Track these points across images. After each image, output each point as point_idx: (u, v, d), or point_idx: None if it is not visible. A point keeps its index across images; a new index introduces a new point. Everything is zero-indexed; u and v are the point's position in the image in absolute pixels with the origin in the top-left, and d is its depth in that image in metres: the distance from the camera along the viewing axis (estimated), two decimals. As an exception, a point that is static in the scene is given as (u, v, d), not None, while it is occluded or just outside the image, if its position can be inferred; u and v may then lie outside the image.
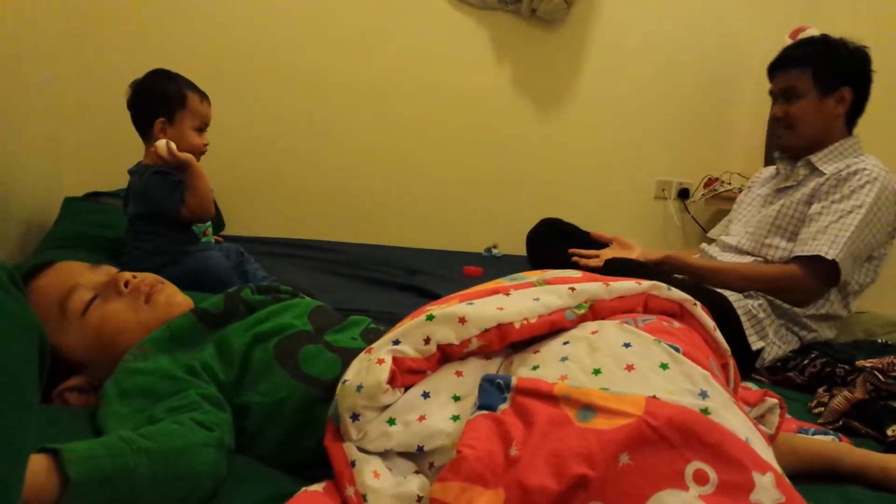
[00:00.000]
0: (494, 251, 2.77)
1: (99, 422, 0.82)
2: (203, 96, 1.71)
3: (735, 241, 1.80)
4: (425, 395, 0.78)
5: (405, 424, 0.75)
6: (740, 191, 2.77)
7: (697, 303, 0.91)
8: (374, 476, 0.72)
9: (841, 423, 1.27)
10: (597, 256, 1.82)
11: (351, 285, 2.05)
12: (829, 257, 1.56)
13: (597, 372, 0.74)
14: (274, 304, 1.04)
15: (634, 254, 1.83)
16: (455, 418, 0.76)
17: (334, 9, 2.60)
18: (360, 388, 0.76)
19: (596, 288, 0.88)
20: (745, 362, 1.57)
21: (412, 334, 0.80)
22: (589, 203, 2.90)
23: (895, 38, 2.12)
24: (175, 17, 2.46)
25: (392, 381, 0.77)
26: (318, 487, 0.77)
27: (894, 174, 1.66)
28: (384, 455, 0.76)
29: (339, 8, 2.60)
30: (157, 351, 0.92)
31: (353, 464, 0.74)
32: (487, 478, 0.64)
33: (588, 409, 0.67)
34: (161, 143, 1.56)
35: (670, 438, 0.63)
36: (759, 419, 0.97)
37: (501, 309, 0.82)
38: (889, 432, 1.20)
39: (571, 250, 1.87)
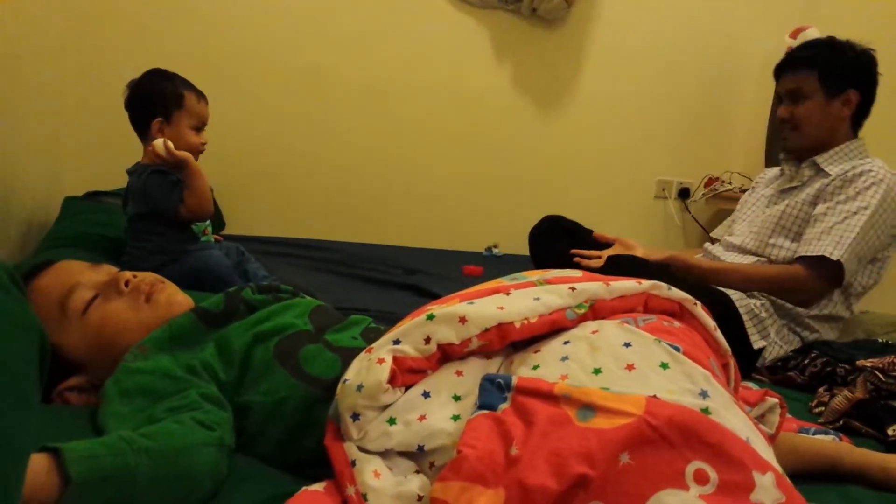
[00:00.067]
0: (495, 251, 2.77)
1: (99, 421, 0.82)
2: (200, 95, 1.71)
3: (739, 241, 1.80)
4: (426, 394, 0.78)
5: (405, 424, 0.75)
6: (741, 190, 2.78)
7: (698, 302, 0.91)
8: (375, 475, 0.72)
9: (841, 422, 1.26)
10: (598, 257, 1.82)
11: (351, 285, 2.05)
12: (834, 258, 1.56)
13: (597, 371, 0.74)
14: (274, 303, 1.04)
15: (637, 254, 1.83)
16: (455, 418, 0.76)
17: (334, 9, 2.60)
18: (360, 387, 0.76)
19: (596, 287, 0.88)
20: (746, 361, 1.58)
21: (412, 334, 0.80)
22: (589, 202, 2.90)
23: (895, 38, 2.12)
24: (175, 17, 2.46)
25: (392, 380, 0.77)
26: (318, 487, 0.77)
27: None
28: (384, 454, 0.76)
29: (339, 8, 2.60)
30: (157, 350, 0.92)
31: (353, 463, 0.74)
32: (488, 477, 0.64)
33: (588, 408, 0.67)
34: (159, 143, 1.56)
35: (671, 438, 0.63)
36: (760, 419, 0.97)
37: (502, 308, 0.82)
38: (889, 432, 1.20)
39: (573, 251, 1.87)
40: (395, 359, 0.78)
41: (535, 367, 0.78)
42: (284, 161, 2.65)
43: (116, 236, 1.76)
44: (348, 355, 0.86)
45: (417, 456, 0.76)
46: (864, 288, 1.69)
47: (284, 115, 2.61)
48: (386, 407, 0.77)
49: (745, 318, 1.60)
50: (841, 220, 1.60)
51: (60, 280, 0.97)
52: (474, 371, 0.81)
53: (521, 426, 0.68)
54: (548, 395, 0.70)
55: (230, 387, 0.90)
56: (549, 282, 0.90)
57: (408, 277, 2.15)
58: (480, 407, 0.72)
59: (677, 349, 0.76)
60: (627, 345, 0.77)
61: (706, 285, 1.66)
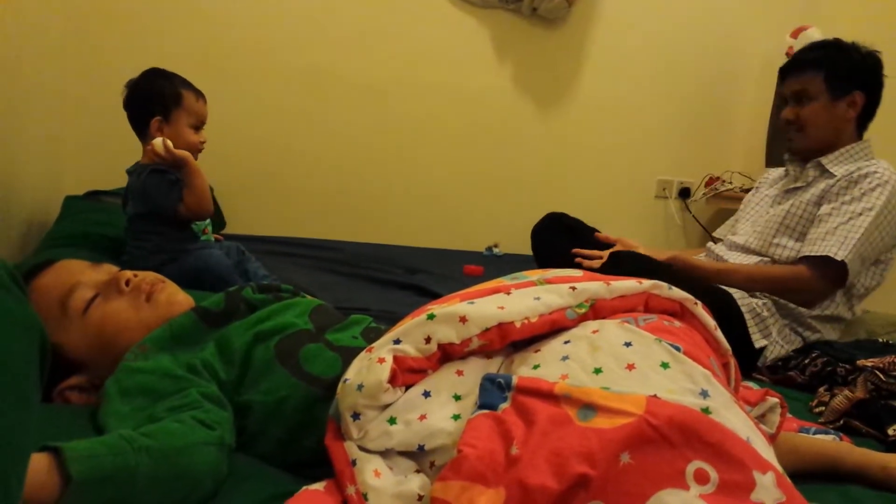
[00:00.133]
0: (495, 250, 2.77)
1: (100, 420, 0.82)
2: (199, 94, 1.71)
3: (742, 241, 1.80)
4: (426, 394, 0.78)
5: (406, 423, 0.75)
6: (742, 190, 2.78)
7: (698, 302, 0.91)
8: (375, 475, 0.72)
9: (842, 422, 1.26)
10: (600, 258, 1.82)
11: (351, 284, 2.05)
12: (839, 258, 1.56)
13: (598, 371, 0.74)
14: (275, 302, 1.04)
15: None
16: (456, 417, 0.76)
17: (334, 9, 2.60)
18: (360, 386, 0.76)
19: (597, 287, 0.88)
20: (747, 360, 1.58)
21: (413, 333, 0.80)
22: (590, 202, 2.89)
23: (895, 38, 2.12)
24: (175, 17, 2.46)
25: (393, 380, 0.77)
26: (318, 486, 0.77)
27: None
28: (385, 454, 0.76)
29: (339, 8, 2.60)
30: (157, 350, 0.92)
31: (353, 463, 0.74)
32: (488, 477, 0.64)
33: (589, 408, 0.67)
34: (158, 141, 1.56)
35: (671, 438, 0.63)
36: (760, 418, 0.97)
37: (502, 308, 0.82)
38: (890, 432, 1.20)
39: (575, 250, 1.87)
40: (395, 358, 0.78)
41: (536, 367, 0.78)
42: (285, 161, 2.65)
43: (117, 236, 1.76)
44: (349, 355, 0.86)
45: (418, 455, 0.76)
46: (866, 289, 1.69)
47: (284, 115, 2.61)
48: (386, 406, 0.77)
49: (746, 316, 1.60)
50: (846, 221, 1.60)
51: (61, 279, 0.97)
52: (475, 370, 0.81)
53: (521, 426, 0.68)
54: (548, 395, 0.70)
55: (230, 386, 0.90)
56: (549, 281, 0.90)
57: (408, 277, 2.15)
58: (481, 406, 0.72)
59: (678, 349, 0.76)
60: (628, 344, 0.77)
61: (708, 284, 1.66)
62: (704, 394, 0.69)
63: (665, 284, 0.91)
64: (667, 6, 2.90)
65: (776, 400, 0.98)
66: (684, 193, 3.07)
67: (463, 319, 0.80)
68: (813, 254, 1.61)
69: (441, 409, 0.77)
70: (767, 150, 2.70)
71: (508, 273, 0.99)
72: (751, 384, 1.30)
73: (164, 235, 1.63)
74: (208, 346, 0.94)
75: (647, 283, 0.90)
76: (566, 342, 0.81)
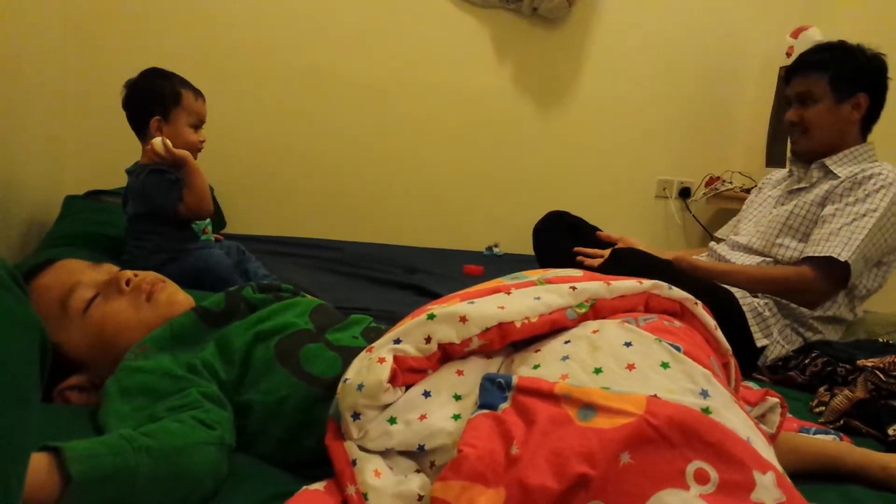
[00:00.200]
0: (495, 250, 2.77)
1: (100, 420, 0.82)
2: (197, 93, 1.71)
3: (745, 241, 1.80)
4: (426, 393, 0.78)
5: (406, 423, 0.75)
6: (742, 190, 2.78)
7: (698, 302, 0.91)
8: (375, 475, 0.72)
9: (842, 422, 1.26)
10: (601, 256, 1.82)
11: (351, 284, 2.05)
12: (842, 259, 1.56)
13: (598, 371, 0.74)
14: (275, 302, 1.04)
15: None
16: (456, 417, 0.76)
17: (334, 9, 2.60)
18: (361, 386, 0.76)
19: (597, 287, 0.88)
20: (748, 360, 1.58)
21: (413, 333, 0.80)
22: (590, 202, 2.89)
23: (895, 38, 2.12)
24: (175, 17, 2.46)
25: (393, 379, 0.77)
26: (318, 486, 0.77)
27: None
28: (385, 454, 0.76)
29: (339, 8, 2.60)
30: (158, 349, 0.92)
31: (354, 462, 0.74)
32: (488, 477, 0.64)
33: (589, 408, 0.67)
34: (157, 141, 1.56)
35: (671, 438, 0.63)
36: (760, 418, 0.97)
37: (502, 308, 0.82)
38: (890, 432, 1.20)
39: (576, 248, 1.87)
40: (395, 358, 0.78)
41: (536, 367, 0.78)
42: (284, 160, 2.65)
43: (117, 235, 1.76)
44: (349, 354, 0.86)
45: (418, 455, 0.76)
46: (868, 291, 1.69)
47: (284, 115, 2.61)
48: (386, 406, 0.77)
49: (748, 316, 1.60)
50: (849, 222, 1.60)
51: (61, 279, 0.97)
52: (475, 370, 0.81)
53: (521, 426, 0.68)
54: (548, 395, 0.70)
55: (231, 386, 0.90)
56: (549, 281, 0.90)
57: (408, 277, 2.15)
58: (481, 406, 0.72)
59: (678, 349, 0.76)
60: (628, 344, 0.77)
61: (709, 283, 1.66)
62: (704, 394, 0.69)
63: (665, 284, 0.91)
64: (667, 6, 2.90)
65: (776, 400, 0.98)
66: (684, 193, 3.07)
67: (463, 319, 0.80)
68: (816, 254, 1.61)
69: (441, 409, 0.77)
70: (768, 150, 2.70)
71: (508, 273, 0.99)
72: (751, 384, 1.30)
73: (164, 235, 1.63)
74: (208, 345, 0.94)
75: (647, 283, 0.90)
76: (566, 342, 0.81)
